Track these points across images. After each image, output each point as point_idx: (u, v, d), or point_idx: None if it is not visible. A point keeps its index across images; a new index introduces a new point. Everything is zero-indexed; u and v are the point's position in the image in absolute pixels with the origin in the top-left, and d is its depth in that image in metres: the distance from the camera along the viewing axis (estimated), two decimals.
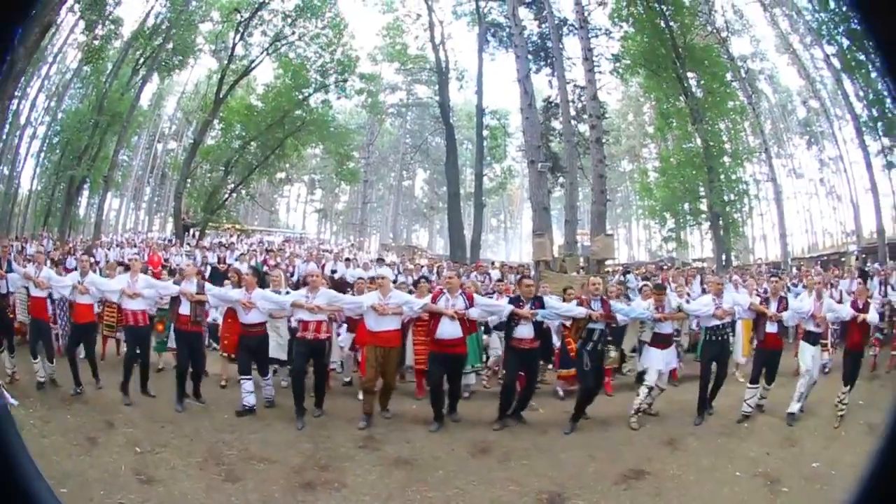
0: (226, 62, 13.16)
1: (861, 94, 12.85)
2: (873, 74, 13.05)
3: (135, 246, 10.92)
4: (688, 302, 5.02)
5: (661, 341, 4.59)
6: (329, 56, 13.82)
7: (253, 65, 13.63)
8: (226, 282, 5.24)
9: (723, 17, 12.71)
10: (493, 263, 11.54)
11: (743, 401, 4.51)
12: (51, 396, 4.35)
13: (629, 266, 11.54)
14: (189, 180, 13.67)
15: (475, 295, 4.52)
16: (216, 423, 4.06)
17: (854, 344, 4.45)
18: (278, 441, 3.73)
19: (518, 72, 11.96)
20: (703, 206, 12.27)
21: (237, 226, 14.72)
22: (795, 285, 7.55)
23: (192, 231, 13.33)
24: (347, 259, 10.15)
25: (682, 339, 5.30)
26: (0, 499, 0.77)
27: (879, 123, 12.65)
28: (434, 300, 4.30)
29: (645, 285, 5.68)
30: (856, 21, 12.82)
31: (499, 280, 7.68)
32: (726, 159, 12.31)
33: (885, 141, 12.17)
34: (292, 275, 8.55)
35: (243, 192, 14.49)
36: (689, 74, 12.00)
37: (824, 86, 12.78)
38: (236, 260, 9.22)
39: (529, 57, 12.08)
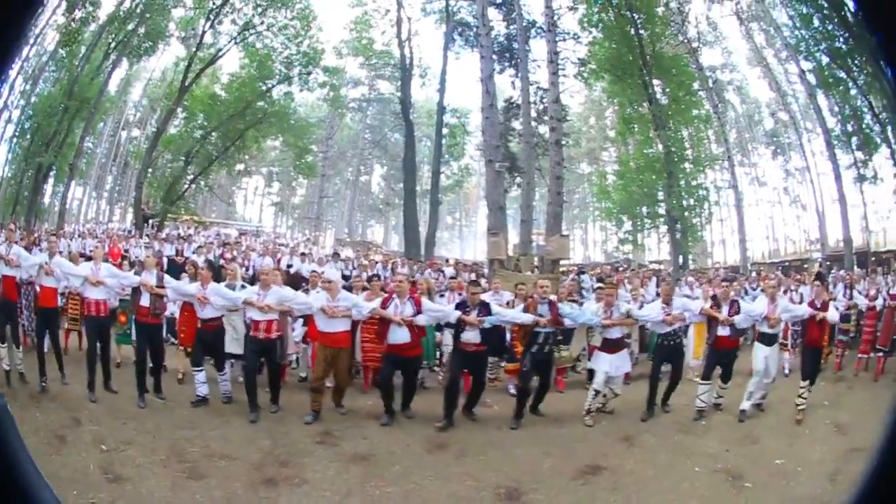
0: (194, 49, 13.21)
1: (836, 109, 13.22)
2: (852, 91, 13.51)
3: (96, 236, 10.88)
4: (641, 306, 5.11)
5: (611, 346, 4.70)
6: (295, 48, 13.99)
7: (220, 53, 13.72)
8: (183, 274, 5.32)
9: (696, 29, 13.13)
10: (447, 261, 11.65)
11: (696, 397, 4.71)
12: (21, 393, 4.41)
13: (584, 266, 11.64)
14: (150, 170, 13.61)
15: (423, 300, 4.66)
16: (176, 419, 4.19)
17: (811, 340, 4.71)
18: (238, 437, 3.88)
19: (482, 71, 12.11)
20: (662, 210, 12.41)
21: (195, 218, 14.69)
22: (754, 289, 7.75)
23: (151, 222, 13.26)
24: (303, 254, 10.22)
25: (632, 344, 5.39)
26: (0, 499, 0.77)
27: (854, 139, 13.04)
28: (384, 305, 4.46)
29: (599, 287, 5.73)
30: (842, 40, 13.35)
31: (452, 277, 7.94)
32: (687, 165, 12.56)
33: (859, 155, 12.71)
34: (248, 269, 8.62)
35: (202, 183, 14.43)
36: (655, 82, 12.23)
37: (796, 99, 13.12)
38: (194, 253, 9.22)
39: (494, 57, 12.26)
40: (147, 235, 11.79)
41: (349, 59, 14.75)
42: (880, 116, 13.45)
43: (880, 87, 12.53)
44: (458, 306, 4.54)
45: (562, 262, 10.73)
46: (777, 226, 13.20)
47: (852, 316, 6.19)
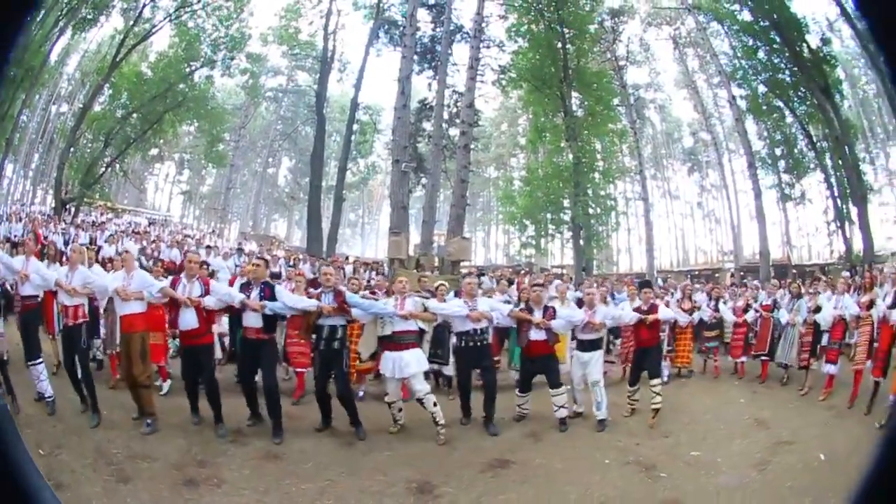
0: (131, 23, 14.30)
1: (765, 134, 15.85)
2: (788, 119, 16.29)
3: (20, 220, 11.47)
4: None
5: (395, 341, 4.75)
6: (224, 30, 15.69)
7: (154, 30, 14.89)
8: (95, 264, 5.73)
9: (626, 48, 15.75)
10: (347, 258, 12.99)
11: (516, 406, 5.20)
12: None
13: (484, 268, 13.25)
14: (73, 150, 14.33)
15: (212, 282, 4.86)
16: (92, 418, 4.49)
17: (642, 342, 5.47)
18: (154, 436, 4.28)
19: (400, 71, 14.05)
20: (566, 217, 14.44)
21: (108, 204, 15.59)
22: (619, 293, 8.94)
23: (69, 206, 13.87)
24: (208, 246, 11.20)
25: (425, 346, 5.43)
26: (0, 499, 0.86)
27: (782, 162, 15.62)
28: (174, 286, 4.62)
29: (441, 284, 6.05)
30: (788, 73, 16.12)
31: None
32: (596, 176, 14.62)
33: (786, 177, 15.48)
34: (157, 261, 9.14)
35: (118, 167, 15.42)
36: (574, 94, 14.50)
37: (721, 122, 15.65)
38: (106, 241, 9.99)
39: (415, 58, 14.27)
40: (64, 221, 12.39)
41: (273, 47, 16.58)
42: (817, 144, 16.29)
43: (823, 118, 15.30)
44: (241, 287, 4.71)
45: (462, 264, 12.38)
46: (688, 237, 15.73)
47: (742, 323, 7.35)
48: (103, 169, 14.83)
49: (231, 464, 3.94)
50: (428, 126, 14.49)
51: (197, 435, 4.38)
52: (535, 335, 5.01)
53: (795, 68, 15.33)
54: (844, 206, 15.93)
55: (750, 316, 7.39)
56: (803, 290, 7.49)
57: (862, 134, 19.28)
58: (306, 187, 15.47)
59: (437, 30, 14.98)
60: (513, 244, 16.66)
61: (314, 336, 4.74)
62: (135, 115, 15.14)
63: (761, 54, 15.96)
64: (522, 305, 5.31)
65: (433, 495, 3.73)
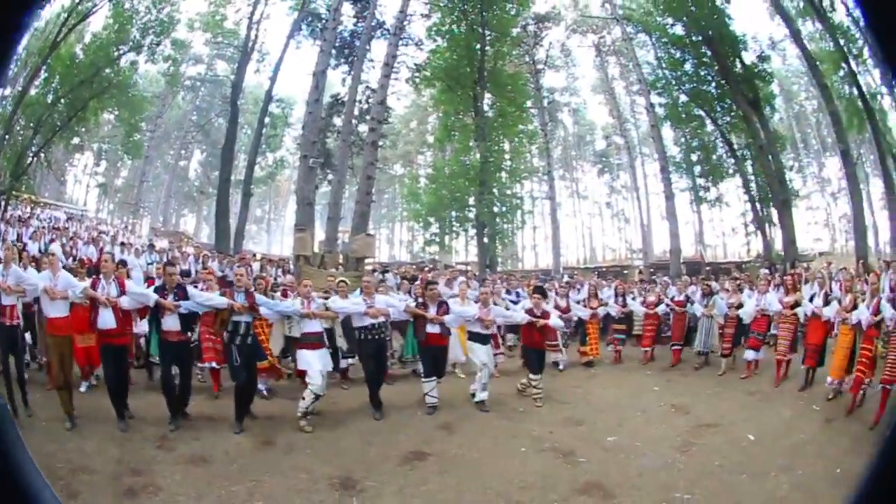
0: (76, 0, 14.02)
1: (682, 140, 17.47)
2: (709, 128, 17.96)
3: None
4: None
5: (311, 341, 5.27)
6: (156, 13, 16.17)
7: (95, 8, 14.67)
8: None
9: (546, 53, 17.15)
10: (254, 255, 13.48)
11: (424, 395, 5.70)
12: None
13: (388, 266, 13.93)
14: (7, 137, 13.94)
15: (128, 282, 5.15)
16: (41, 431, 4.64)
17: (532, 343, 6.24)
18: (90, 447, 4.42)
19: (317, 65, 14.59)
20: (471, 215, 15.35)
21: (33, 197, 15.35)
22: (510, 291, 9.78)
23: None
24: (123, 243, 11.42)
25: (340, 341, 5.98)
26: (0, 499, 0.91)
27: (698, 166, 17.19)
28: (94, 286, 4.87)
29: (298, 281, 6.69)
30: (714, 85, 17.74)
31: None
32: (503, 175, 15.77)
33: (701, 181, 17.07)
34: (75, 258, 9.42)
35: (43, 156, 15.62)
36: (487, 95, 15.64)
37: (637, 128, 17.15)
38: (30, 238, 10.03)
39: (333, 52, 15.03)
40: None
41: (198, 33, 16.81)
42: (738, 152, 17.99)
43: (747, 128, 16.94)
44: (156, 290, 5.00)
45: (367, 261, 13.21)
46: (595, 235, 17.21)
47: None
48: (31, 159, 14.64)
49: (164, 470, 4.15)
50: (338, 121, 15.03)
51: (128, 443, 4.59)
52: (431, 328, 5.78)
53: (723, 81, 16.94)
54: (764, 210, 17.69)
55: (661, 309, 8.38)
56: (717, 287, 8.63)
57: (792, 144, 21.27)
58: (216, 181, 15.89)
59: (359, 25, 15.58)
60: (417, 241, 17.54)
61: (229, 332, 5.12)
62: (62, 101, 14.99)
63: (688, 66, 17.53)
64: (421, 300, 6.02)
65: (357, 490, 3.98)
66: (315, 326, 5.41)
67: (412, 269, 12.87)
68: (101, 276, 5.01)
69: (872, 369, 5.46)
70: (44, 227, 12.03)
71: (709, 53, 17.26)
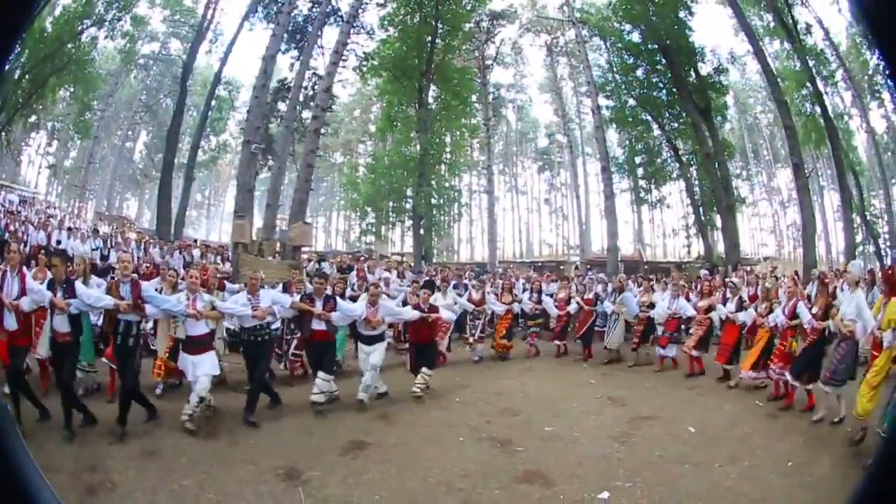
0: None
1: (627, 142, 17.92)
2: (655, 132, 18.45)
3: None
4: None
5: (193, 345, 4.90)
6: None
7: None
8: None
9: (497, 49, 17.37)
10: (195, 241, 13.60)
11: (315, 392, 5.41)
12: None
13: (325, 255, 13.98)
14: None
15: (28, 277, 4.76)
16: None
17: (419, 339, 6.24)
18: (50, 446, 4.35)
19: (267, 49, 14.61)
20: (408, 206, 15.55)
21: None
22: (457, 286, 9.94)
23: None
24: (69, 228, 11.27)
25: (218, 343, 5.59)
26: (0, 499, 0.91)
27: (641, 168, 17.72)
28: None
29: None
30: (665, 92, 18.14)
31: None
32: (443, 167, 16.04)
33: (643, 183, 17.74)
34: (26, 244, 9.29)
35: (3, 135, 15.69)
36: (433, 88, 15.86)
37: (581, 128, 17.52)
38: None
39: (285, 37, 15.11)
40: None
41: (157, 11, 16.75)
42: (683, 157, 18.51)
43: (695, 135, 17.41)
44: (48, 285, 4.64)
45: (303, 249, 13.31)
46: (533, 230, 17.62)
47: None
48: None
49: (118, 465, 4.10)
50: (283, 107, 15.08)
51: (81, 437, 4.53)
52: (317, 325, 5.47)
53: (675, 89, 17.40)
54: (708, 214, 18.27)
55: (572, 307, 8.53)
56: (646, 285, 8.79)
57: (742, 154, 21.92)
58: (160, 164, 15.76)
59: (314, 10, 15.57)
60: (353, 230, 17.65)
61: (113, 332, 4.75)
62: (26, 77, 14.85)
63: (640, 72, 17.98)
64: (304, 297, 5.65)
65: (301, 480, 3.99)
66: (201, 328, 4.99)
67: (348, 258, 13.00)
68: (6, 269, 4.64)
69: (786, 362, 5.78)
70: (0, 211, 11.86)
71: (663, 62, 17.77)
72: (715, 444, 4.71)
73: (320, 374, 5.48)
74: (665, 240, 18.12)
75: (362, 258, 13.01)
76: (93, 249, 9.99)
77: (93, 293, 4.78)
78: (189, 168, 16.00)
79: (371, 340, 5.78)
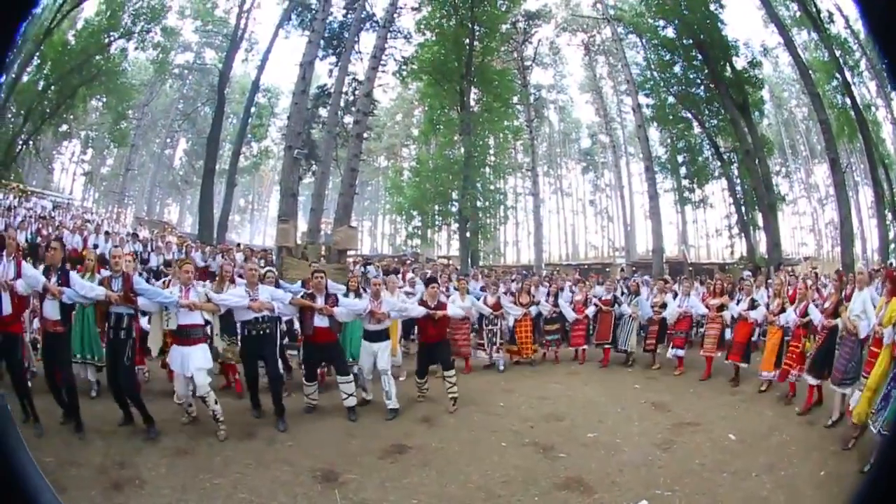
0: None
1: (668, 141, 17.48)
2: (696, 130, 17.99)
3: None
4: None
5: (184, 335, 4.66)
6: (147, 0, 16.31)
7: None
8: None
9: (535, 50, 17.09)
10: (238, 245, 13.44)
11: (305, 396, 5.39)
12: None
13: (371, 258, 13.84)
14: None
15: (24, 264, 4.67)
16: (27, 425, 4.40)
17: (429, 337, 5.89)
18: (76, 440, 4.35)
19: (304, 55, 14.48)
20: (454, 209, 15.30)
21: (20, 186, 15.10)
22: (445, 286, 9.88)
23: None
24: (106, 233, 11.40)
25: (216, 339, 5.34)
26: (0, 499, 0.90)
27: (683, 168, 17.27)
28: None
29: (179, 263, 6.13)
30: (703, 89, 17.72)
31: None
32: (487, 170, 15.75)
33: (685, 182, 17.20)
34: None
35: (32, 144, 15.41)
36: (473, 90, 15.59)
37: (623, 127, 17.13)
38: (17, 227, 9.93)
39: (321, 43, 14.92)
40: None
41: (188, 21, 16.76)
42: (724, 155, 18.02)
43: (735, 132, 16.96)
44: (44, 272, 4.57)
45: (349, 253, 13.10)
46: (578, 232, 17.23)
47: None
48: (20, 146, 14.69)
49: (147, 462, 4.09)
50: (323, 113, 14.92)
51: (112, 435, 4.50)
52: (319, 322, 5.24)
53: (712, 85, 16.96)
54: (749, 213, 17.75)
55: (590, 311, 8.26)
56: (660, 286, 8.51)
57: (780, 150, 21.35)
58: (200, 171, 15.81)
59: (349, 16, 15.47)
60: (399, 234, 17.48)
61: (108, 326, 4.65)
62: (52, 87, 14.98)
63: (677, 69, 17.55)
64: (306, 292, 5.47)
65: (339, 482, 3.95)
66: (195, 318, 4.79)
67: (394, 262, 12.77)
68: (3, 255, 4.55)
69: (801, 363, 5.75)
70: (31, 217, 11.95)
71: (699, 57, 17.32)
72: (753, 452, 4.61)
73: (339, 378, 5.35)
74: (708, 240, 17.67)
75: (408, 261, 12.78)
76: (131, 253, 10.00)
77: (86, 283, 4.66)
78: (231, 174, 16.01)
79: (375, 337, 5.56)
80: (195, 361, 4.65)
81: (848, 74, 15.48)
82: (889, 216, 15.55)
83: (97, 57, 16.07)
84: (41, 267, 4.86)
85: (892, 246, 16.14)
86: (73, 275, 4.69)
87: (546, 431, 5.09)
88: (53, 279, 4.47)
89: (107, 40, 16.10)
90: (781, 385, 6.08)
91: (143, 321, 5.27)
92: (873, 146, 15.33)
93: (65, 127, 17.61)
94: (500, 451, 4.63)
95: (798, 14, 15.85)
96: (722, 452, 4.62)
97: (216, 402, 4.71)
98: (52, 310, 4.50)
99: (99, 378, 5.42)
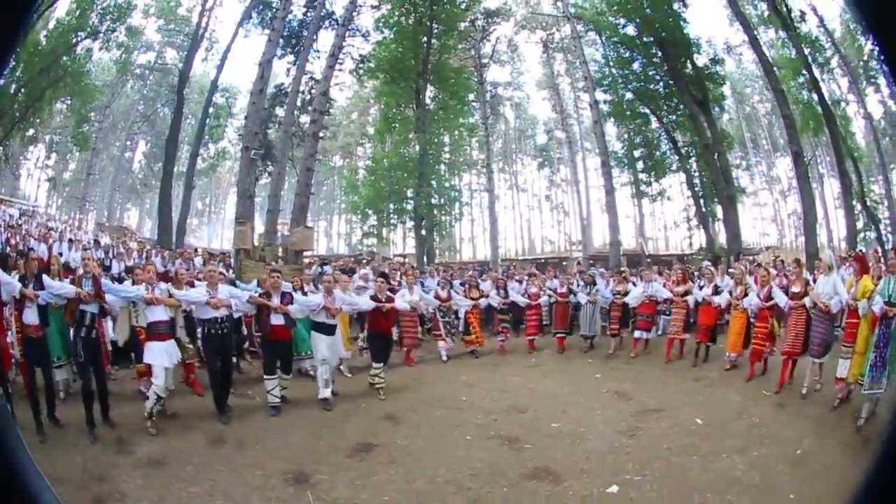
0: None
1: (626, 136, 17.65)
2: (653, 125, 18.16)
3: None
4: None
5: (159, 332, 4.94)
6: None
7: None
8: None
9: (493, 47, 17.11)
10: (196, 250, 13.36)
11: (267, 392, 5.43)
12: None
13: (327, 258, 13.82)
14: None
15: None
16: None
17: (377, 328, 6.23)
18: (58, 455, 4.29)
19: (263, 54, 14.39)
20: (409, 207, 15.36)
21: None
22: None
23: None
24: (70, 240, 11.28)
25: (179, 333, 5.44)
26: (0, 499, 0.89)
27: (640, 162, 17.38)
28: None
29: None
30: (662, 85, 17.81)
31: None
32: (442, 167, 15.81)
33: (643, 176, 17.41)
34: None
35: (1, 150, 15.55)
36: (429, 88, 15.60)
37: (580, 123, 17.26)
38: None
39: (280, 42, 14.70)
40: None
41: (152, 20, 16.43)
42: (682, 149, 18.22)
43: (693, 127, 17.13)
44: (20, 279, 4.76)
45: (305, 253, 13.09)
46: (534, 227, 17.46)
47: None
48: None
49: (124, 475, 4.07)
50: (280, 112, 14.87)
51: (88, 449, 4.45)
52: (276, 320, 5.47)
53: (672, 82, 17.13)
54: (708, 206, 17.98)
55: (543, 301, 8.75)
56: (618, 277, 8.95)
57: (740, 144, 21.62)
58: (159, 173, 15.56)
59: (309, 14, 15.32)
60: (355, 233, 17.46)
61: (77, 324, 4.82)
62: (22, 90, 14.57)
63: (636, 66, 17.72)
64: (262, 291, 5.77)
65: (310, 483, 3.98)
66: (161, 315, 5.08)
67: (350, 261, 12.78)
68: None
69: (772, 342, 6.22)
70: (0, 225, 11.90)
71: (659, 54, 17.45)
72: (722, 435, 4.62)
73: (282, 375, 5.54)
74: (667, 232, 17.95)
75: (364, 261, 12.79)
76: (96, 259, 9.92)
77: (57, 283, 4.90)
78: (189, 176, 15.77)
79: (329, 330, 5.76)
80: (163, 359, 4.93)
81: (817, 71, 15.63)
82: (858, 206, 15.73)
83: (64, 58, 15.67)
84: (14, 275, 5.03)
85: (862, 234, 16.50)
86: (46, 277, 4.92)
87: (509, 424, 5.15)
88: (31, 285, 4.71)
89: (74, 40, 15.72)
90: (747, 367, 6.33)
91: (108, 327, 5.57)
92: (841, 140, 15.53)
93: (31, 131, 17.23)
94: (465, 444, 4.70)
95: (766, 13, 16.02)
96: (689, 436, 4.66)
97: (156, 403, 4.87)
98: (31, 316, 4.73)
99: (66, 379, 5.48)
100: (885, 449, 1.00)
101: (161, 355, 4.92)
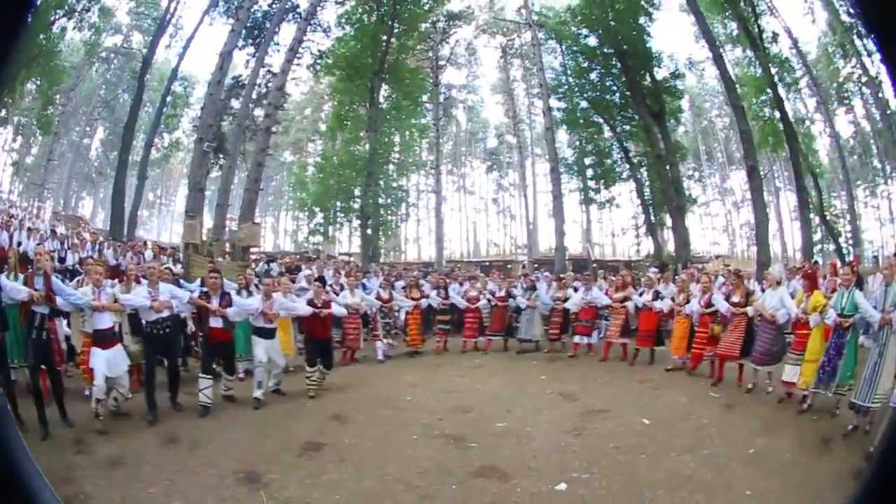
0: None
1: (577, 143, 18.16)
2: (606, 134, 18.68)
3: None
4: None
5: (104, 339, 4.83)
6: None
7: None
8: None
9: (451, 50, 17.45)
10: (145, 243, 13.29)
11: (199, 391, 5.36)
12: None
13: (273, 255, 13.95)
14: None
15: None
16: None
17: (313, 333, 6.25)
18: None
19: (225, 45, 14.22)
20: (356, 206, 15.65)
21: None
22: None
23: None
24: (29, 229, 11.17)
25: (126, 340, 5.40)
26: (0, 499, 0.90)
27: (590, 169, 17.92)
28: None
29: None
30: (619, 96, 18.20)
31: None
32: (391, 167, 16.17)
33: (591, 183, 18.00)
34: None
35: None
36: (384, 87, 15.90)
37: (532, 128, 17.74)
38: None
39: (243, 32, 14.62)
40: None
41: (123, 2, 16.25)
42: (634, 159, 18.78)
43: (647, 138, 17.64)
44: None
45: (252, 250, 13.26)
46: (480, 230, 17.96)
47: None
48: None
49: (87, 476, 3.98)
50: (236, 104, 14.93)
51: (50, 448, 4.37)
52: (214, 322, 5.42)
53: (628, 93, 17.59)
54: (658, 214, 18.60)
55: (482, 303, 8.87)
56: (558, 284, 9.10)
57: (694, 156, 22.28)
58: (115, 162, 15.42)
59: (274, 5, 15.30)
60: (301, 231, 17.67)
61: (28, 325, 4.64)
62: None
63: (594, 75, 18.19)
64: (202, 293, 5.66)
65: (262, 483, 3.97)
66: (107, 322, 4.96)
67: (296, 259, 12.97)
68: None
69: (713, 346, 6.46)
70: None
71: (618, 65, 17.89)
72: (670, 435, 4.72)
73: (226, 375, 5.60)
74: (614, 239, 18.49)
75: (312, 258, 13.05)
76: (50, 251, 9.97)
77: (12, 285, 4.67)
78: (142, 166, 15.67)
79: (268, 333, 5.84)
80: (120, 365, 4.89)
81: (782, 90, 16.21)
82: (816, 220, 16.38)
83: (41, 35, 15.56)
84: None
85: (819, 247, 17.21)
86: (2, 278, 4.71)
87: (455, 423, 5.17)
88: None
89: (52, 18, 15.53)
90: (690, 369, 6.71)
91: (63, 324, 5.44)
92: (801, 156, 15.90)
93: (3, 112, 17.16)
94: (412, 444, 4.71)
95: (735, 33, 16.36)
96: (636, 436, 4.71)
97: (98, 403, 4.81)
98: None
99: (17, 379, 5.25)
100: (884, 451, 1.03)
101: (102, 363, 4.80)
